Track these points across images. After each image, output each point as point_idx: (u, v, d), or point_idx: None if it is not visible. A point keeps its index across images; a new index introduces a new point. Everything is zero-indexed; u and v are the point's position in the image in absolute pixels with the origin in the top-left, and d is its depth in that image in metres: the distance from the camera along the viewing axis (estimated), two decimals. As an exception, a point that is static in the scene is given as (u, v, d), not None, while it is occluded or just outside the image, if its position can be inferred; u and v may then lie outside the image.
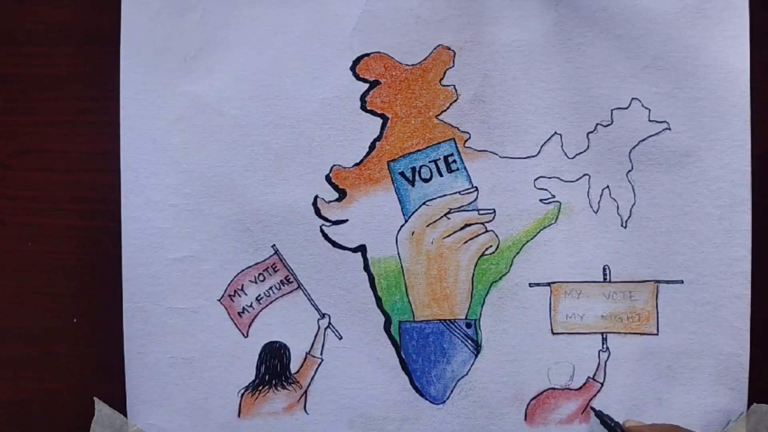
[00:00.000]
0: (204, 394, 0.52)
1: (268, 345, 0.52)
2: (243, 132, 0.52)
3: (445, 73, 0.51)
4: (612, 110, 0.51)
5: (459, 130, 0.52)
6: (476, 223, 0.52)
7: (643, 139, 0.51)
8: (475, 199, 0.52)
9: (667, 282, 0.51)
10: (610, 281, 0.52)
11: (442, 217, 0.52)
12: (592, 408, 0.52)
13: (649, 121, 0.51)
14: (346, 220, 0.52)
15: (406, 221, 0.52)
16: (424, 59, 0.51)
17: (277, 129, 0.52)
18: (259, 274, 0.52)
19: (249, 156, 0.52)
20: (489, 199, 0.52)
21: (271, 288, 0.52)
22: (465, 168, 0.52)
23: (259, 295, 0.52)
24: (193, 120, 0.51)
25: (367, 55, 0.51)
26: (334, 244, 0.52)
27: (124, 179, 0.51)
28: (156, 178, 0.51)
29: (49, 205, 0.54)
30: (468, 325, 0.52)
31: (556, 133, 0.51)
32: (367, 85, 0.52)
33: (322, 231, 0.52)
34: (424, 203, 0.52)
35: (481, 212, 0.52)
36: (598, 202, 0.52)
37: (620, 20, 0.50)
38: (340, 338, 0.52)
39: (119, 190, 0.51)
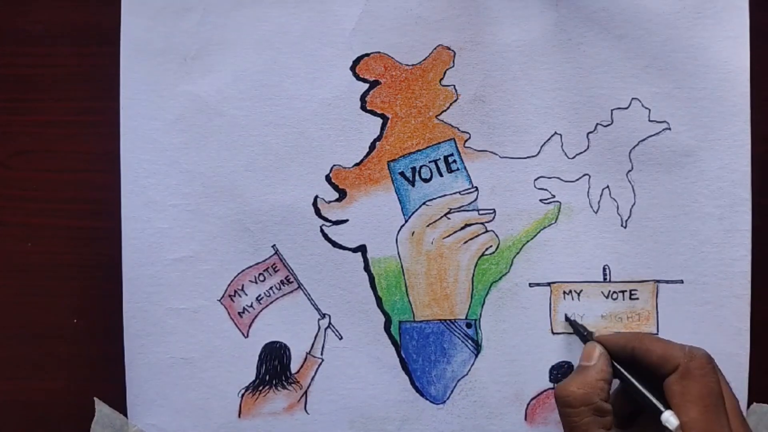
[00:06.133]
0: (204, 395, 0.52)
1: (269, 345, 0.52)
2: (243, 132, 0.52)
3: (445, 73, 0.51)
4: (612, 110, 0.51)
5: (459, 130, 0.52)
6: (476, 223, 0.52)
7: (643, 139, 0.51)
8: (475, 199, 0.52)
9: (667, 282, 0.51)
10: (610, 281, 0.52)
11: (442, 217, 0.52)
12: (566, 316, 0.51)
13: (649, 121, 0.51)
14: (346, 220, 0.52)
15: (406, 221, 0.52)
16: (424, 59, 0.51)
17: (277, 129, 0.52)
18: (260, 274, 0.52)
19: (249, 156, 0.52)
20: (489, 199, 0.52)
21: (271, 288, 0.52)
22: (465, 168, 0.52)
23: (260, 295, 0.52)
24: (193, 120, 0.51)
25: (367, 55, 0.51)
26: (334, 244, 0.52)
27: (124, 179, 0.51)
28: (156, 178, 0.51)
29: (49, 205, 0.54)
30: (468, 325, 0.52)
31: (556, 133, 0.51)
32: (367, 85, 0.51)
33: (322, 231, 0.52)
34: (424, 203, 0.52)
35: (481, 212, 0.52)
36: (598, 202, 0.52)
37: (620, 20, 0.50)
38: (341, 338, 0.52)
39: (119, 190, 0.51)
